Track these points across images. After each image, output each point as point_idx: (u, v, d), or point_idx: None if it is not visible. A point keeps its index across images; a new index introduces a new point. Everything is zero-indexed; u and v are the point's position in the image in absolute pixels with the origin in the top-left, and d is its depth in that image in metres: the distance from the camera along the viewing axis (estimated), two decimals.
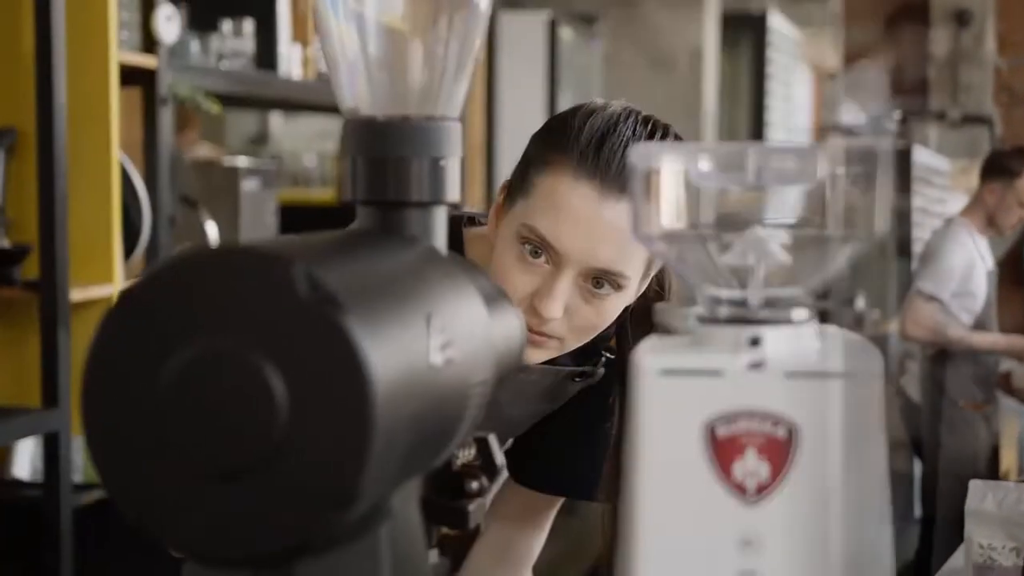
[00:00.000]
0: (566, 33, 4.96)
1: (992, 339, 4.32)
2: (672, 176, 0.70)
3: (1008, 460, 4.54)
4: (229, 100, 3.12)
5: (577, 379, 1.41)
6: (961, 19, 9.15)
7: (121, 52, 2.49)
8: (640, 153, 0.70)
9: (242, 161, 3.10)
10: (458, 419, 0.72)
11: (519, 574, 1.46)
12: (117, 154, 2.44)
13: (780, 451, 0.67)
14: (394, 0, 0.81)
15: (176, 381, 0.61)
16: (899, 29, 4.34)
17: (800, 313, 0.70)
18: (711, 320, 0.70)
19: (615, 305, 1.27)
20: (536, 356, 1.29)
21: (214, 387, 0.60)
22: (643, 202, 0.71)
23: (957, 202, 8.38)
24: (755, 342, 0.68)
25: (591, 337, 1.29)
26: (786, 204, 0.72)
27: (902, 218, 6.45)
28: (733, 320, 0.70)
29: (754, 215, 0.72)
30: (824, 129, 8.70)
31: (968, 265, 4.22)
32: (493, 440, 0.88)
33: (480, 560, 1.39)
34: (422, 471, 0.74)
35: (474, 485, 0.84)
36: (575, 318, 1.26)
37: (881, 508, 0.67)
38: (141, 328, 0.62)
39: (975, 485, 1.93)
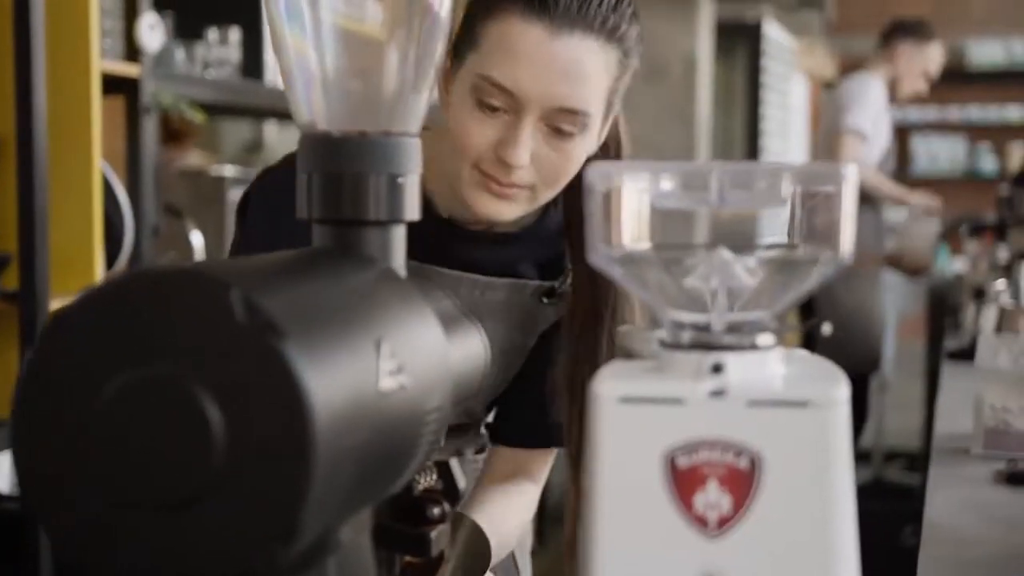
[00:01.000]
0: None
1: (900, 191, 4.46)
2: (632, 196, 0.68)
3: None
4: (216, 109, 3.09)
5: (545, 299, 1.37)
6: None
7: (104, 60, 2.47)
8: (599, 172, 0.68)
9: (229, 170, 3.07)
10: (412, 446, 0.70)
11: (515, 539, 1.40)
12: (99, 163, 2.42)
13: (742, 482, 0.64)
14: (352, 9, 0.79)
15: (110, 407, 0.58)
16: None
17: (765, 338, 0.68)
18: (673, 345, 0.68)
19: (580, 148, 1.24)
20: (509, 210, 1.26)
21: (149, 414, 0.58)
22: (602, 222, 0.68)
23: (800, 82, 8.47)
24: (717, 369, 0.66)
25: (560, 186, 1.26)
26: (753, 226, 0.70)
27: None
28: (696, 345, 0.67)
29: (718, 237, 0.69)
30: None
31: (878, 111, 4.35)
32: (455, 464, 0.86)
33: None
34: (373, 501, 0.71)
35: (435, 511, 0.82)
36: (542, 165, 1.23)
37: (848, 541, 0.65)
38: (76, 351, 0.59)
39: (986, 340, 1.81)
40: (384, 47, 0.79)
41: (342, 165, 0.77)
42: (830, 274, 0.67)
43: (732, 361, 0.66)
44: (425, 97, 0.81)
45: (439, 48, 0.81)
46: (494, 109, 1.21)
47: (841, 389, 0.65)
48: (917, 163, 10.12)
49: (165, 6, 2.74)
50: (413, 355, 0.69)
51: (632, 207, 0.68)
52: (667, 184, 0.67)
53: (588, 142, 1.25)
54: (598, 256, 0.68)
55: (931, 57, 4.45)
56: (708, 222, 0.69)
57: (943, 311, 4.82)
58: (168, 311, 0.58)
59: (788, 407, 0.64)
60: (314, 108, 0.79)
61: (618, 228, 0.69)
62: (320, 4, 0.77)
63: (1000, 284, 3.06)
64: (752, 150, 7.24)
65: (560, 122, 1.21)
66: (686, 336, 0.68)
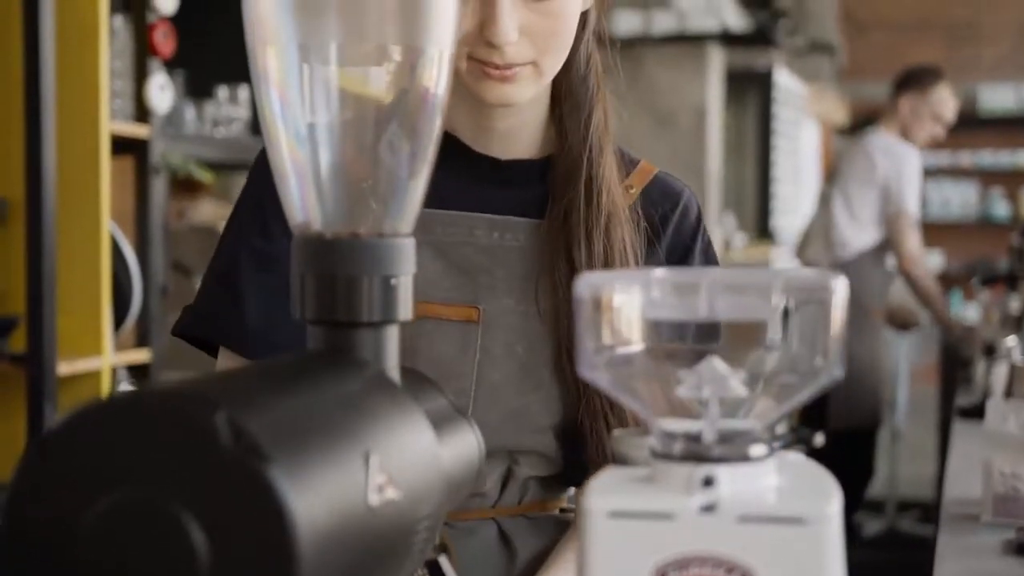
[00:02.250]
0: None
1: (942, 306, 4.49)
2: (621, 306, 0.68)
3: None
4: (226, 166, 3.11)
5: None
6: None
7: (113, 122, 2.48)
8: (588, 283, 0.68)
9: None
10: (402, 557, 0.69)
11: None
12: (107, 225, 2.43)
13: None
14: (346, 110, 0.79)
15: (95, 530, 0.58)
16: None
17: (758, 449, 0.67)
18: (664, 456, 0.67)
19: (569, 3, 1.16)
20: (518, 92, 1.18)
21: (134, 538, 0.58)
22: (590, 331, 0.68)
23: (811, 127, 8.48)
24: (708, 482, 0.65)
25: (563, 51, 1.18)
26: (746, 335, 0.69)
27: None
28: (687, 457, 0.67)
29: (710, 345, 0.69)
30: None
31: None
32: (444, 562, 0.85)
33: None
34: None
35: None
36: (535, 34, 1.15)
37: None
38: (60, 474, 0.59)
39: (994, 405, 1.79)
40: (377, 148, 0.79)
41: (335, 267, 0.77)
42: (823, 386, 0.67)
43: (724, 474, 0.65)
44: (419, 198, 0.81)
45: (432, 147, 0.81)
46: None
47: (834, 503, 0.64)
48: (930, 208, 10.12)
49: (176, 65, 2.76)
50: (403, 465, 0.68)
51: (621, 316, 0.68)
52: (657, 294, 0.67)
53: None
54: (587, 365, 0.68)
55: (937, 101, 4.45)
56: (700, 330, 0.68)
57: (955, 362, 4.80)
58: (153, 433, 0.58)
59: (780, 523, 0.64)
60: (308, 208, 0.79)
61: (607, 337, 0.68)
62: (315, 105, 0.78)
63: (1011, 340, 3.05)
64: (763, 198, 7.25)
65: None
66: (677, 447, 0.67)
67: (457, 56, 1.18)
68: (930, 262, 10.01)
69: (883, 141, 4.50)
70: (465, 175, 1.26)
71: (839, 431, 4.11)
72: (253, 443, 0.57)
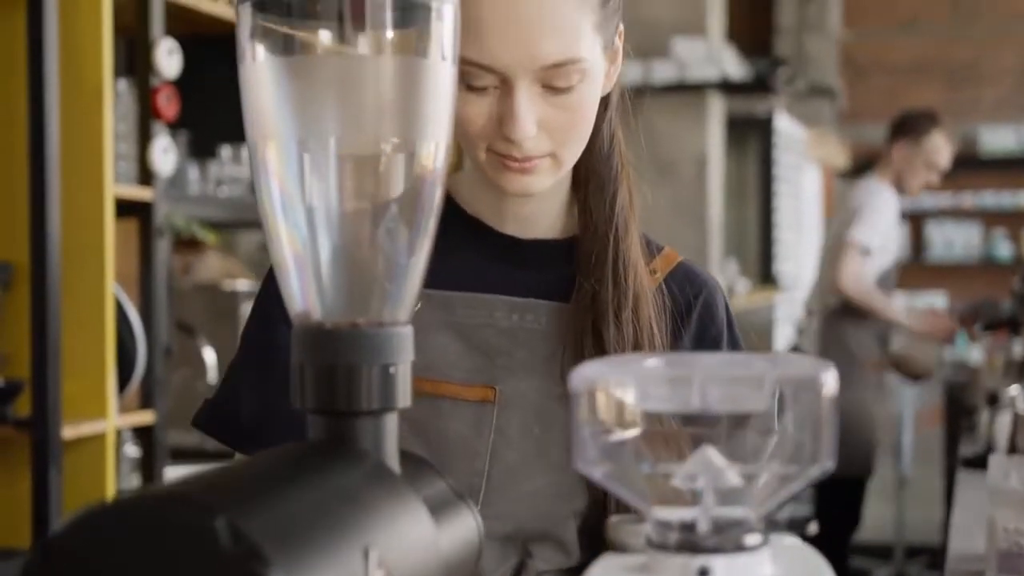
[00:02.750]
0: None
1: (897, 314, 4.47)
2: (616, 398, 0.69)
3: None
4: (229, 224, 3.13)
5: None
6: None
7: (117, 185, 2.50)
8: (582, 376, 0.69)
9: (243, 284, 3.10)
10: None
11: None
12: (112, 288, 2.44)
13: None
14: (346, 201, 0.80)
15: None
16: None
17: (752, 538, 0.68)
18: (660, 546, 0.68)
19: (587, 95, 1.15)
20: (538, 182, 1.17)
21: None
22: (586, 423, 0.69)
23: (812, 171, 8.49)
24: (704, 573, 0.66)
25: (581, 141, 1.16)
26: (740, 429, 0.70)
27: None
28: (682, 547, 0.67)
29: (704, 436, 0.70)
30: None
31: (890, 222, 4.36)
32: None
33: None
34: None
35: None
36: (553, 128, 1.14)
37: None
38: None
39: (996, 461, 1.78)
40: (376, 239, 0.80)
41: (335, 357, 0.78)
42: (816, 477, 0.68)
43: (719, 564, 0.66)
44: (417, 284, 0.82)
45: (430, 237, 0.82)
46: (483, 88, 1.12)
47: None
48: (932, 249, 10.14)
49: (179, 125, 2.78)
50: (402, 557, 0.69)
51: (616, 409, 0.69)
52: (651, 386, 0.68)
53: (594, 85, 1.16)
54: (582, 457, 0.69)
55: (931, 149, 4.46)
56: (695, 419, 0.69)
57: (959, 407, 4.79)
58: (154, 538, 0.59)
59: None
60: (307, 298, 0.80)
61: (602, 429, 0.69)
62: (314, 197, 0.79)
63: (1014, 389, 3.05)
64: (766, 243, 7.27)
65: (554, 79, 1.12)
66: (672, 537, 0.68)
67: (476, 148, 1.18)
68: (934, 303, 10.04)
69: (871, 186, 4.53)
70: (488, 256, 1.25)
71: (829, 478, 4.11)
72: (253, 546, 0.58)
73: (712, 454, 0.69)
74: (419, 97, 0.79)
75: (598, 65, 1.15)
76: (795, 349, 4.88)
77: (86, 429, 2.38)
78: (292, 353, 0.79)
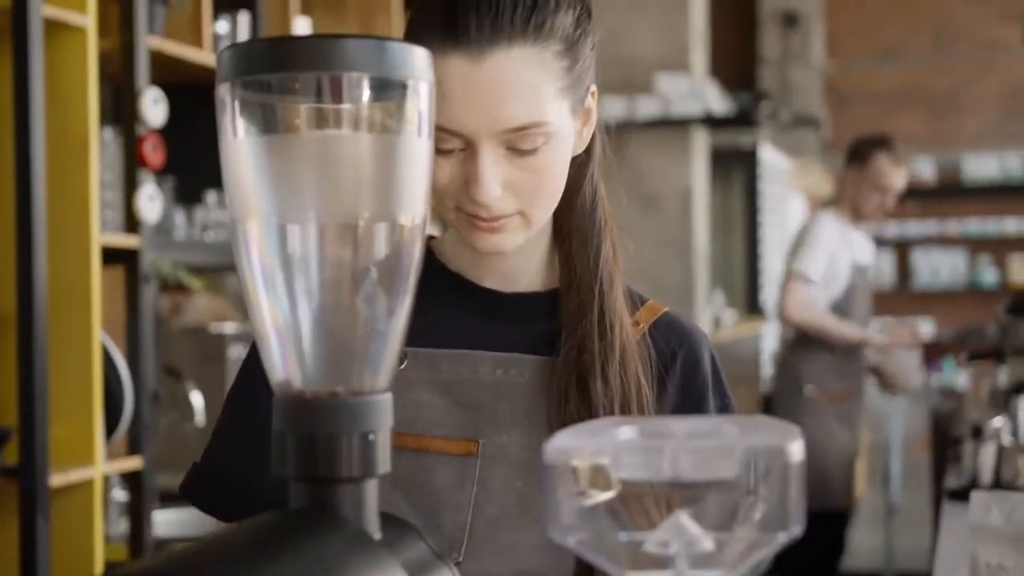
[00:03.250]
0: None
1: (849, 331, 4.44)
2: (590, 468, 0.71)
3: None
4: (216, 268, 3.15)
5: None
6: (789, 21, 9.31)
7: (104, 233, 2.52)
8: (556, 447, 0.70)
9: (230, 327, 3.11)
10: None
11: None
12: (99, 335, 2.45)
13: None
14: (325, 272, 0.82)
15: None
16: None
17: None
18: None
19: (555, 156, 1.16)
20: (508, 240, 1.18)
21: None
22: (560, 494, 0.71)
23: (798, 200, 8.53)
24: None
25: (551, 200, 1.17)
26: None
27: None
28: None
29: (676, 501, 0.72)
30: None
31: (834, 251, 4.36)
32: None
33: None
34: None
35: None
36: (519, 188, 1.15)
37: None
38: None
39: (978, 497, 1.79)
40: (355, 310, 0.82)
41: (316, 425, 0.79)
42: (784, 542, 0.70)
43: None
44: (396, 352, 0.84)
45: (408, 307, 0.84)
46: (450, 151, 1.14)
47: None
48: (919, 277, 10.20)
49: (165, 172, 2.80)
50: None
51: (589, 478, 0.70)
52: (624, 457, 0.70)
53: (561, 146, 1.17)
54: (556, 526, 0.70)
55: (876, 172, 4.44)
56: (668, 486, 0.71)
57: (946, 436, 4.81)
58: None
59: None
60: (288, 368, 0.82)
61: (576, 499, 0.71)
62: (294, 271, 0.81)
63: (998, 421, 3.07)
64: (752, 273, 7.30)
65: (518, 142, 1.13)
66: None
67: (446, 208, 1.19)
68: (921, 329, 10.08)
69: (818, 216, 4.57)
70: (471, 311, 1.26)
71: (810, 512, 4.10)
72: None
73: (685, 520, 0.71)
74: (396, 172, 0.81)
75: (566, 127, 1.16)
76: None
77: (74, 476, 2.39)
78: (274, 421, 0.81)
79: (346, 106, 0.79)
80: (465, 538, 1.19)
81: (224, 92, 0.79)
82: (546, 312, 1.27)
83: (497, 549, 1.20)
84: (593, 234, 1.26)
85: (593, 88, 1.23)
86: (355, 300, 0.82)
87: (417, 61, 0.80)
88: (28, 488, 2.26)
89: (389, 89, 0.80)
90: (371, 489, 0.81)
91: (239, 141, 0.79)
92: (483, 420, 1.23)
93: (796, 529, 0.69)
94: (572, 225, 1.26)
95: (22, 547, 2.25)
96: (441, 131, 1.13)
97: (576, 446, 0.71)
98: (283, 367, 0.82)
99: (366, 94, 0.79)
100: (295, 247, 0.80)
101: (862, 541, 6.65)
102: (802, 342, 4.39)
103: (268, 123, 0.80)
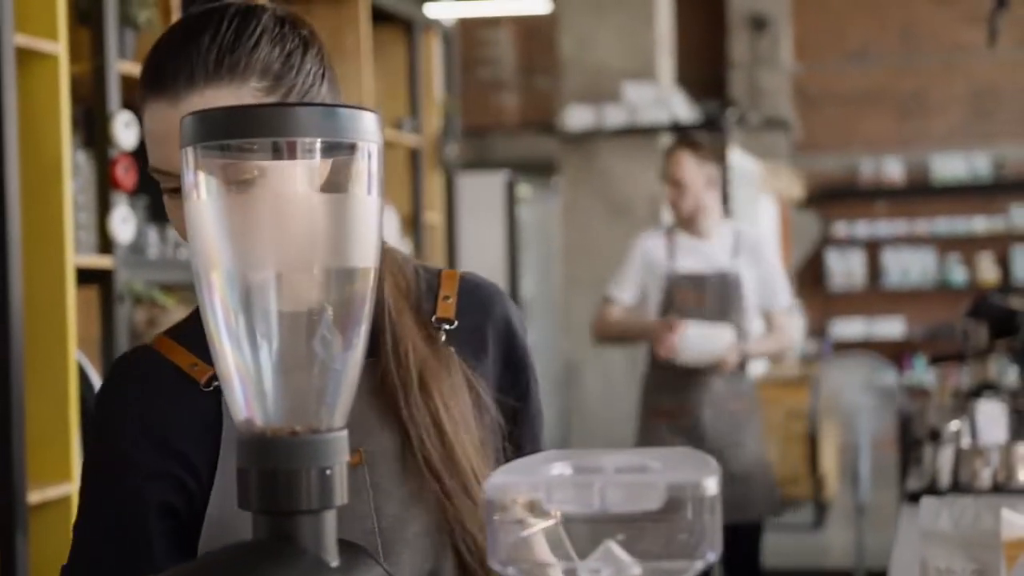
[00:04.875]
0: (524, 190, 5.09)
1: (638, 322, 4.18)
2: (526, 504, 0.77)
3: None
4: (189, 285, 3.21)
5: None
6: (757, 23, 9.40)
7: (78, 255, 2.57)
8: (494, 484, 0.77)
9: None
10: None
11: None
12: (74, 355, 2.51)
13: None
14: (285, 327, 0.88)
15: None
16: None
17: None
18: None
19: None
20: None
21: None
22: (498, 527, 0.77)
23: (768, 203, 8.59)
24: None
25: None
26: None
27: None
28: None
29: (607, 532, 0.78)
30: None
31: (643, 269, 4.17)
32: None
33: None
34: None
35: None
36: None
37: None
38: None
39: (928, 502, 1.84)
40: (312, 353, 0.88)
41: (276, 462, 0.86)
42: (703, 567, 0.76)
43: None
44: (352, 388, 0.90)
45: (362, 349, 0.90)
46: (176, 190, 1.17)
47: None
48: (889, 276, 10.31)
49: (137, 191, 2.86)
50: None
51: (525, 513, 0.77)
52: (557, 492, 0.77)
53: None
54: (496, 557, 0.77)
55: (667, 167, 4.25)
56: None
57: (911, 436, 4.88)
58: None
59: None
60: (250, 408, 0.88)
61: (513, 531, 0.77)
62: (255, 318, 0.87)
63: (954, 425, 3.14)
64: None
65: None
66: None
67: None
68: (892, 329, 10.20)
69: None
70: None
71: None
72: None
73: (614, 548, 0.78)
74: (348, 226, 0.88)
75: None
76: None
77: (52, 493, 2.44)
78: (237, 458, 0.87)
79: (300, 168, 0.85)
80: (378, 542, 1.24)
81: (187, 155, 0.85)
82: None
83: (408, 542, 1.25)
84: None
85: None
86: (312, 344, 0.89)
87: (366, 125, 0.87)
88: (6, 505, 2.31)
89: (340, 151, 0.86)
90: (329, 520, 0.87)
91: (201, 201, 0.86)
92: (357, 429, 1.27)
93: (712, 555, 0.76)
94: None
95: (1, 564, 2.30)
96: (159, 172, 1.20)
97: (512, 482, 0.78)
98: (245, 407, 0.88)
99: (318, 156, 0.85)
100: (254, 296, 0.87)
101: (833, 539, 6.75)
102: (647, 368, 4.28)
103: (227, 184, 0.87)
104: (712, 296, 4.18)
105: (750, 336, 4.22)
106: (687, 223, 4.20)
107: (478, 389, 1.29)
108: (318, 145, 0.85)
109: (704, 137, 4.31)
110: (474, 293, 1.34)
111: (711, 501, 0.76)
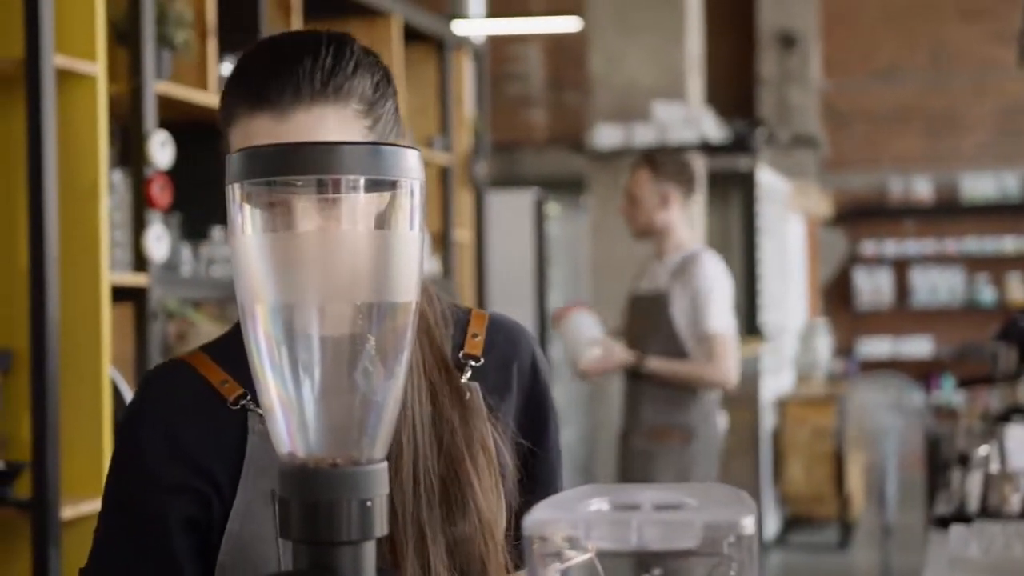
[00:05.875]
0: (553, 208, 5.10)
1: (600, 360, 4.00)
2: (567, 540, 0.78)
3: None
4: (221, 301, 3.24)
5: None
6: (786, 41, 9.36)
7: (113, 273, 2.60)
8: (533, 520, 0.78)
9: None
10: None
11: None
12: (108, 372, 2.53)
13: None
14: (326, 360, 0.90)
15: None
16: None
17: None
18: None
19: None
20: None
21: None
22: (536, 562, 0.78)
23: (796, 221, 8.54)
24: None
25: None
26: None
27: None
28: None
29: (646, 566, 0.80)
30: None
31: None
32: None
33: None
34: None
35: None
36: None
37: None
38: None
39: (957, 531, 1.84)
40: (353, 386, 0.90)
41: (318, 493, 0.87)
42: None
43: None
44: (392, 421, 0.91)
45: (403, 376, 0.92)
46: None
47: None
48: (917, 295, 10.27)
49: (172, 209, 2.89)
50: None
51: (566, 547, 0.78)
52: (595, 529, 0.78)
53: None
54: None
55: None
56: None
57: (940, 457, 4.86)
58: None
59: None
60: (293, 441, 0.90)
61: (555, 564, 0.79)
62: (298, 352, 0.89)
63: (984, 450, 3.13)
64: (750, 295, 7.37)
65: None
66: None
67: None
68: (919, 348, 10.16)
69: None
70: None
71: None
72: None
73: None
74: (391, 262, 0.89)
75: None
76: None
77: (85, 508, 2.46)
78: (279, 488, 0.89)
79: (344, 204, 0.87)
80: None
81: (233, 191, 0.87)
82: None
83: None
84: None
85: None
86: (353, 376, 0.90)
87: (408, 162, 0.88)
88: (40, 521, 2.34)
89: (383, 188, 0.88)
90: (369, 551, 0.89)
91: (247, 236, 0.87)
92: None
93: None
94: None
95: None
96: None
97: (551, 519, 0.79)
98: (288, 440, 0.90)
99: (362, 193, 0.87)
100: (298, 329, 0.88)
101: (858, 560, 6.72)
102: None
103: (273, 220, 0.89)
104: (639, 315, 4.10)
105: (687, 359, 4.00)
106: (640, 237, 4.15)
107: (495, 427, 1.29)
108: (362, 183, 0.87)
109: (674, 158, 4.10)
110: (501, 333, 1.36)
111: (748, 540, 0.77)
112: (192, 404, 1.28)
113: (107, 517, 1.29)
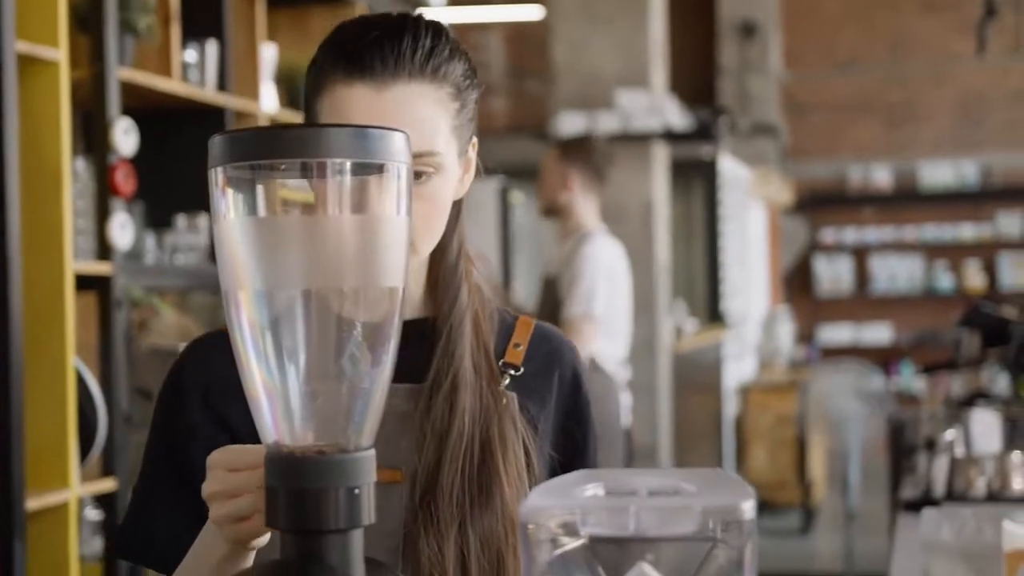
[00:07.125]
0: (517, 196, 5.09)
1: None
2: (561, 525, 0.77)
3: None
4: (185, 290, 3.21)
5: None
6: (747, 31, 9.42)
7: (77, 261, 2.56)
8: (530, 507, 0.77)
9: None
10: None
11: None
12: (73, 361, 2.50)
13: None
14: (312, 345, 0.88)
15: None
16: None
17: None
18: None
19: (442, 189, 1.23)
20: None
21: None
22: (533, 548, 0.77)
23: (758, 209, 8.59)
24: None
25: (435, 232, 1.24)
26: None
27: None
28: None
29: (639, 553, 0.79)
30: None
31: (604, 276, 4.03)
32: None
33: None
34: None
35: None
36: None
37: None
38: None
39: (929, 514, 1.84)
40: (340, 373, 0.88)
41: (305, 482, 0.86)
42: None
43: None
44: (379, 408, 0.90)
45: (390, 363, 0.90)
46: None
47: None
48: (876, 282, 10.34)
49: (136, 197, 2.85)
50: None
51: (561, 533, 0.77)
52: (592, 515, 0.77)
53: (448, 182, 1.24)
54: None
55: None
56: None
57: (903, 442, 4.88)
58: None
59: None
60: (278, 428, 0.88)
61: (548, 550, 0.78)
62: (282, 339, 0.87)
63: (950, 435, 3.15)
64: (712, 282, 7.39)
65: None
66: None
67: None
68: (879, 335, 10.25)
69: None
70: None
71: None
72: None
73: (647, 569, 0.78)
74: (377, 246, 0.88)
75: (453, 165, 1.25)
76: None
77: (50, 499, 2.43)
78: (266, 477, 0.87)
79: (330, 188, 0.85)
80: (399, 562, 1.22)
81: (216, 176, 0.86)
82: (420, 338, 1.29)
83: (417, 566, 1.23)
84: (453, 283, 1.30)
85: (475, 140, 1.31)
86: (340, 363, 0.89)
87: (395, 145, 0.87)
88: (5, 512, 2.31)
89: (369, 171, 0.86)
90: (357, 539, 0.87)
91: (230, 221, 0.86)
92: (400, 448, 1.25)
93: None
94: (440, 272, 1.31)
95: (0, 570, 2.30)
96: None
97: (548, 505, 0.78)
98: (274, 428, 0.88)
99: (348, 177, 0.85)
100: (282, 315, 0.87)
101: (820, 545, 6.76)
102: None
103: (256, 204, 0.87)
104: (544, 298, 4.11)
105: None
106: (545, 216, 4.19)
107: (527, 434, 1.29)
108: (348, 166, 0.85)
109: (585, 145, 4.12)
110: (545, 342, 1.35)
111: (748, 525, 0.76)
112: (226, 367, 1.24)
113: (145, 470, 1.30)
